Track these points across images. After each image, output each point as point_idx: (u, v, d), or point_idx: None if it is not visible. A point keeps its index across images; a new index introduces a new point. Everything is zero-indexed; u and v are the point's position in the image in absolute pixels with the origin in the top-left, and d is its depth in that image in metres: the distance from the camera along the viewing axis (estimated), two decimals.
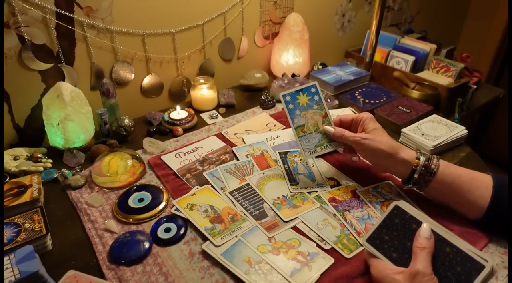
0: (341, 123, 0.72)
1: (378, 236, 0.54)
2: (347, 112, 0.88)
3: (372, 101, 1.04)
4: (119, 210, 0.68)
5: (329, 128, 0.70)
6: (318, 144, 0.72)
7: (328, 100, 1.02)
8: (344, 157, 0.82)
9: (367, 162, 0.73)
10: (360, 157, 0.73)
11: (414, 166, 0.63)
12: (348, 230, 0.63)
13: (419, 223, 0.52)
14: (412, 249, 0.50)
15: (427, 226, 0.51)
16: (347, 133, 0.68)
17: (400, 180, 0.71)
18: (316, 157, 0.82)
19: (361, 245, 0.60)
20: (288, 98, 0.72)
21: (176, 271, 0.57)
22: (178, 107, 0.98)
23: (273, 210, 0.67)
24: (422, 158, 0.63)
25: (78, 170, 0.79)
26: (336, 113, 0.88)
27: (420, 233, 0.50)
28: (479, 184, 0.60)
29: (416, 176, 0.63)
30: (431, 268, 0.47)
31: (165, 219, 0.66)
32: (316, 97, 0.73)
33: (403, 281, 0.47)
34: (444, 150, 0.85)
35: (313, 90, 0.73)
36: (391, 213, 0.55)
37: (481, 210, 0.59)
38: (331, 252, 0.59)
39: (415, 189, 0.67)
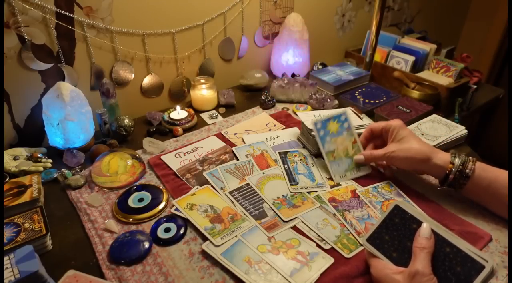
0: (372, 133, 0.74)
1: (378, 236, 0.54)
2: (347, 112, 0.88)
3: (372, 101, 1.04)
4: (119, 210, 0.68)
5: (360, 157, 0.72)
6: (348, 169, 0.75)
7: (328, 100, 1.02)
8: None
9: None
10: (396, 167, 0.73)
11: (447, 171, 0.64)
12: (348, 230, 0.63)
13: (419, 223, 0.51)
14: (412, 249, 0.50)
15: (427, 226, 0.50)
16: (375, 153, 0.70)
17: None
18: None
19: (361, 245, 0.60)
20: (319, 125, 0.76)
21: (176, 271, 0.57)
22: (178, 107, 0.98)
23: (273, 210, 0.67)
24: (456, 161, 0.63)
25: (78, 170, 0.79)
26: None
27: (420, 233, 0.50)
28: None
29: (450, 178, 0.64)
30: (431, 268, 0.47)
31: (165, 219, 0.66)
32: (346, 124, 0.76)
33: (403, 281, 0.47)
34: (444, 150, 0.85)
35: (343, 117, 0.77)
36: (391, 213, 0.55)
37: None
38: (331, 252, 0.59)
39: (451, 189, 0.67)
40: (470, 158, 0.64)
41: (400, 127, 0.69)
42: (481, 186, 0.62)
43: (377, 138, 0.75)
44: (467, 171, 0.62)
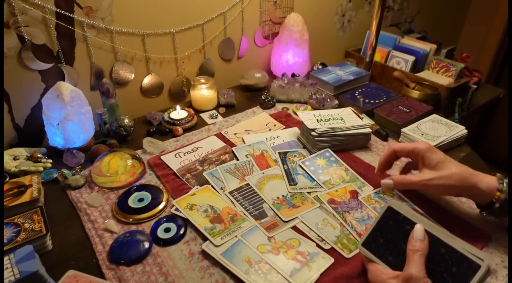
0: (396, 155, 0.67)
1: (373, 240, 0.53)
2: (347, 112, 0.88)
3: (372, 101, 1.04)
4: (119, 210, 0.68)
5: (388, 182, 0.64)
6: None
7: (328, 100, 1.02)
8: (343, 157, 0.82)
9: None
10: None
11: (494, 199, 0.57)
12: (349, 231, 0.63)
13: (412, 224, 0.50)
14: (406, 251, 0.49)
15: (420, 227, 0.49)
16: (407, 180, 0.62)
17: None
18: None
19: None
20: (307, 163, 0.78)
21: (176, 271, 0.57)
22: (178, 107, 0.98)
23: (272, 210, 0.67)
24: (505, 189, 0.56)
25: (78, 170, 0.79)
26: (336, 113, 0.88)
27: (413, 234, 0.49)
28: None
29: (496, 207, 0.57)
30: (425, 271, 0.46)
31: (165, 219, 0.66)
32: (332, 158, 0.79)
33: None
34: (444, 150, 0.84)
35: (327, 154, 0.80)
36: (384, 215, 0.54)
37: None
38: (331, 252, 0.59)
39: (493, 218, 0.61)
40: None
41: (429, 150, 0.62)
42: None
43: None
44: None
